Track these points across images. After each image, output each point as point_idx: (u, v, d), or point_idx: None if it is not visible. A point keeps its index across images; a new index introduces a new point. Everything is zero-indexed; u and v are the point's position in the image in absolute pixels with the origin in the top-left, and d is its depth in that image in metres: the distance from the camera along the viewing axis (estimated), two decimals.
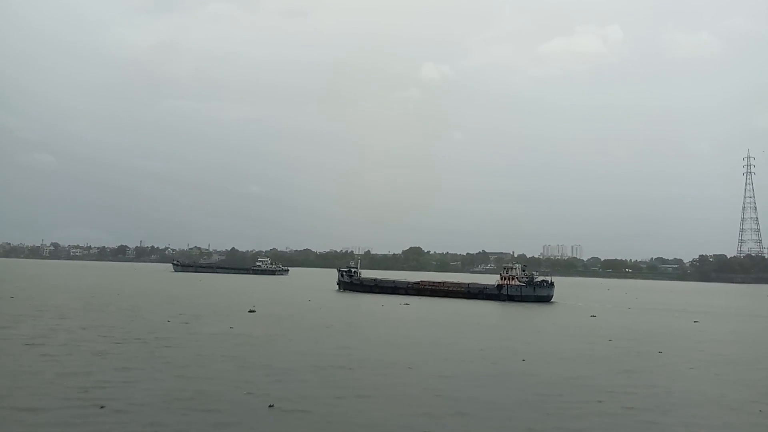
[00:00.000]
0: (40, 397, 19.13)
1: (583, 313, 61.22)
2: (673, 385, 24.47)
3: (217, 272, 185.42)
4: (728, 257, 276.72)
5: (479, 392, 21.96)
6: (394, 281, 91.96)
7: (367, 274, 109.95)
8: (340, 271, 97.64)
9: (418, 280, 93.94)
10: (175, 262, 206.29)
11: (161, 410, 18.30)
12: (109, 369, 23.49)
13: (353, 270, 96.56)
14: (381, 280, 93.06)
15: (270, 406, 19.07)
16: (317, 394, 20.82)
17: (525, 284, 78.48)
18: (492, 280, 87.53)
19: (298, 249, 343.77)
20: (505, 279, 79.74)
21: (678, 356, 32.98)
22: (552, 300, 78.05)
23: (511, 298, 76.98)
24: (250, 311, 49.08)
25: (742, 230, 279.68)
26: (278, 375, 23.75)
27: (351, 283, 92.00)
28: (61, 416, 17.30)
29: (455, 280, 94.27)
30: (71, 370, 23.09)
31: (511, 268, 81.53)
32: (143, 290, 76.51)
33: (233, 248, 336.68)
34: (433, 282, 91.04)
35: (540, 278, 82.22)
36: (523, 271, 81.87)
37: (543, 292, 78.25)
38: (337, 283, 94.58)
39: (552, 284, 79.99)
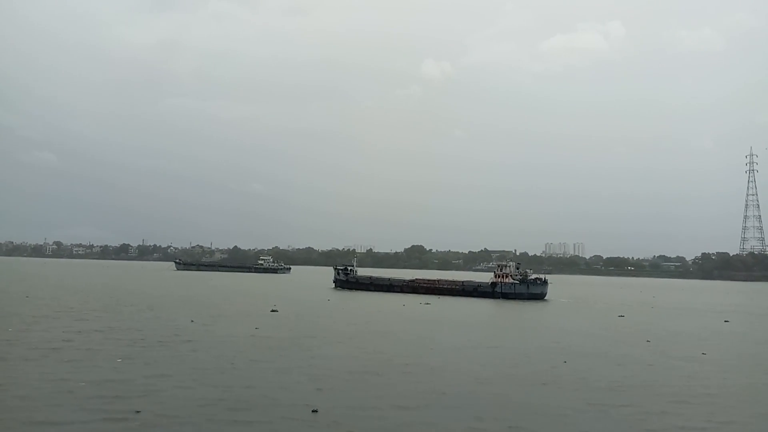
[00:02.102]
0: (66, 408, 18.08)
1: (610, 313, 60.38)
2: (735, 394, 23.30)
3: (219, 270, 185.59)
4: (731, 255, 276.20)
5: (531, 400, 20.81)
6: (389, 279, 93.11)
7: (369, 272, 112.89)
8: (336, 269, 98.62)
9: (413, 278, 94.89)
10: (177, 260, 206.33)
11: (202, 420, 17.43)
12: (138, 376, 22.45)
13: (349, 268, 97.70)
14: (376, 278, 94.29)
15: (314, 411, 18.51)
16: (359, 401, 20.06)
17: (519, 282, 78.98)
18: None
19: (301, 247, 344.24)
20: (499, 277, 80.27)
21: (724, 359, 31.84)
22: (546, 298, 78.33)
23: (505, 296, 77.30)
24: (272, 311, 48.68)
25: (744, 228, 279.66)
26: (316, 380, 22.93)
27: (347, 281, 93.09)
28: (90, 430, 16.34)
29: (450, 278, 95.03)
30: (97, 377, 22.03)
31: (505, 266, 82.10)
32: (155, 289, 75.83)
33: (236, 246, 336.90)
34: (428, 280, 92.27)
35: (533, 276, 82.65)
36: (517, 269, 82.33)
37: (536, 290, 78.74)
38: (334, 281, 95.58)
39: (545, 282, 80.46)
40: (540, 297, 78.08)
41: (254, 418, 17.99)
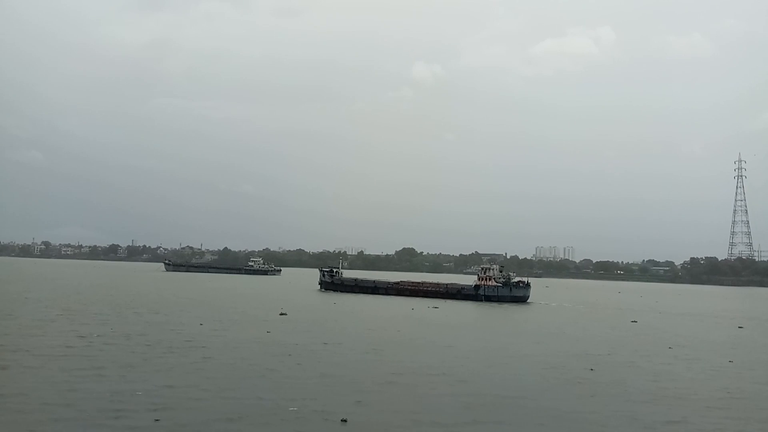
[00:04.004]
0: (79, 421, 16.91)
1: (622, 318, 59.82)
2: None
3: (209, 272, 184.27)
4: (719, 260, 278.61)
5: (579, 414, 19.66)
6: (374, 281, 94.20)
7: (355, 274, 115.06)
8: (321, 271, 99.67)
9: (398, 280, 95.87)
10: (166, 261, 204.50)
11: (228, 430, 16.80)
12: (152, 384, 21.33)
13: (335, 270, 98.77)
14: (361, 280, 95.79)
15: (343, 420, 17.94)
16: (390, 412, 19.30)
17: (502, 285, 79.76)
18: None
19: (291, 249, 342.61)
20: (482, 279, 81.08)
21: (756, 369, 30.79)
22: (528, 300, 79.13)
23: (488, 299, 78.17)
24: (281, 314, 48.04)
25: (732, 233, 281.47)
26: (342, 389, 22.11)
27: (332, 283, 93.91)
28: None
29: (436, 281, 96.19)
30: (108, 386, 20.84)
31: (489, 269, 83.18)
32: (153, 291, 74.58)
33: (226, 248, 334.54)
34: (413, 282, 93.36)
35: (516, 279, 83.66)
36: (500, 272, 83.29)
37: (519, 293, 79.75)
38: (319, 283, 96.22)
39: (528, 285, 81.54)
40: (522, 300, 79.16)
41: (282, 427, 17.32)
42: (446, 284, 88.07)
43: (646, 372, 28.33)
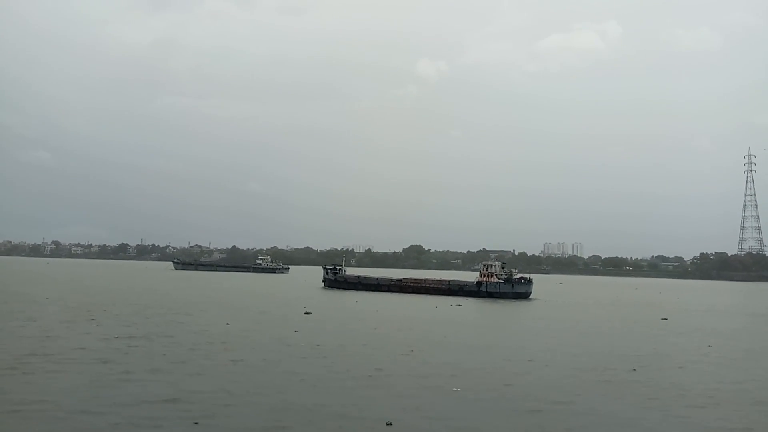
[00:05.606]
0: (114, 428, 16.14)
1: (651, 316, 58.59)
2: None
3: (217, 270, 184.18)
4: (729, 255, 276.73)
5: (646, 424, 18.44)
6: (377, 278, 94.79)
7: (359, 271, 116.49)
8: (325, 268, 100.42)
9: (401, 277, 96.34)
10: (175, 260, 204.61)
11: None
12: (188, 388, 20.41)
13: (338, 268, 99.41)
14: (364, 278, 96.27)
15: (388, 423, 17.20)
16: (436, 413, 18.56)
17: (504, 281, 79.89)
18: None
19: (299, 247, 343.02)
20: (484, 276, 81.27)
21: None
22: (530, 297, 79.05)
23: (490, 295, 78.43)
24: (305, 313, 47.45)
25: (742, 228, 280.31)
26: (383, 391, 21.31)
27: (335, 281, 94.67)
28: None
29: (438, 278, 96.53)
30: (142, 390, 19.98)
31: (491, 266, 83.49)
32: (170, 291, 73.87)
33: (234, 246, 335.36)
34: (415, 279, 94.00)
35: (518, 275, 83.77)
36: (503, 268, 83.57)
37: (521, 289, 79.86)
38: (323, 281, 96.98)
39: (530, 281, 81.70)
40: (524, 296, 79.36)
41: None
42: (448, 281, 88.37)
43: (693, 373, 27.20)
